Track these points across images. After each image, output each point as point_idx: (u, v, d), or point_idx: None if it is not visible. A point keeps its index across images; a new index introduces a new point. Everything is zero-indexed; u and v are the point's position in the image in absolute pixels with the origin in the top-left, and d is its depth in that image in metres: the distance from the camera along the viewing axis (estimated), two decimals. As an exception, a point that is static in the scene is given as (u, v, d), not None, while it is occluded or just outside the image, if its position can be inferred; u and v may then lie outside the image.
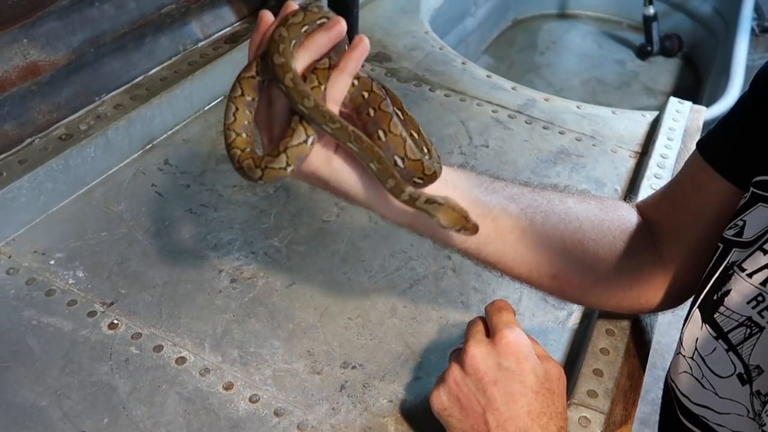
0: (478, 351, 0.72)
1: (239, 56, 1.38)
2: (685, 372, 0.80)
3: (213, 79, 1.33)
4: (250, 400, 0.88)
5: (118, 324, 0.96)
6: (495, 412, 0.70)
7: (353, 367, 0.93)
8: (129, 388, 0.88)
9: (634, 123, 1.42)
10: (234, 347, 0.94)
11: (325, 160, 0.71)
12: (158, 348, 0.93)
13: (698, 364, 0.78)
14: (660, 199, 0.90)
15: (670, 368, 0.84)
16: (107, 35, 1.22)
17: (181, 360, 0.92)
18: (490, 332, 0.76)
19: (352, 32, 1.58)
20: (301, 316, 0.99)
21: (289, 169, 0.67)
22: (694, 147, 0.86)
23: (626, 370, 0.91)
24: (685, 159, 0.88)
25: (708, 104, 1.75)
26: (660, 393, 0.88)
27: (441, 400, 0.74)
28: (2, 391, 0.86)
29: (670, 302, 0.88)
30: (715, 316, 0.76)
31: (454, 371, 0.73)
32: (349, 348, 0.96)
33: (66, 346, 0.92)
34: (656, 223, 0.88)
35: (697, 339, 0.78)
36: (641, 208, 0.91)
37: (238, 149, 0.69)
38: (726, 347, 0.75)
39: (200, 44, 1.40)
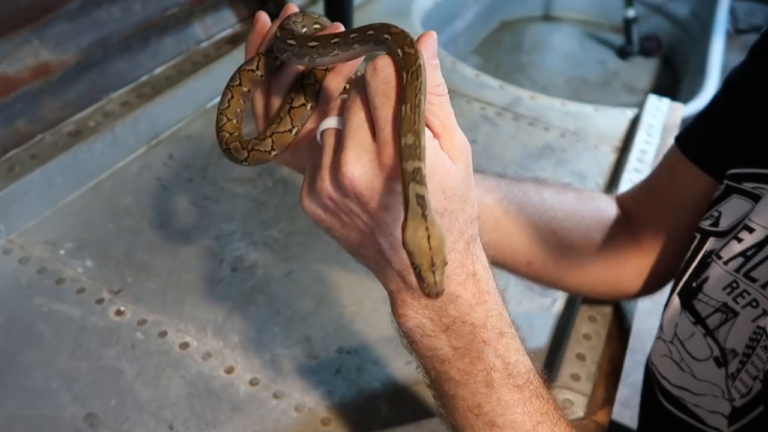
0: (359, 171, 0.52)
1: (240, 56, 1.35)
2: (664, 355, 0.80)
3: (215, 77, 1.32)
4: (250, 383, 0.88)
5: (124, 311, 0.95)
6: (388, 237, 0.54)
7: (348, 352, 0.93)
8: (135, 372, 0.88)
9: (615, 120, 1.41)
10: (235, 333, 0.94)
11: (304, 154, 0.69)
12: (163, 334, 0.93)
13: (677, 348, 0.78)
14: (638, 190, 0.90)
15: (651, 352, 0.84)
16: (114, 36, 1.21)
17: (185, 345, 0.91)
18: (373, 126, 0.53)
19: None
20: (299, 304, 0.99)
21: (273, 153, 0.67)
22: (672, 142, 0.86)
23: (608, 355, 0.91)
24: (664, 154, 0.89)
25: (685, 101, 1.74)
26: (640, 377, 0.88)
27: (316, 213, 0.57)
28: (15, 375, 0.86)
29: (647, 288, 0.88)
30: (693, 302, 0.76)
31: (329, 188, 0.54)
32: (345, 334, 0.95)
33: (75, 332, 0.92)
34: (634, 213, 0.88)
35: (676, 324, 0.78)
36: (620, 200, 0.91)
37: (226, 132, 0.71)
38: (704, 332, 0.75)
39: (203, 45, 1.39)
